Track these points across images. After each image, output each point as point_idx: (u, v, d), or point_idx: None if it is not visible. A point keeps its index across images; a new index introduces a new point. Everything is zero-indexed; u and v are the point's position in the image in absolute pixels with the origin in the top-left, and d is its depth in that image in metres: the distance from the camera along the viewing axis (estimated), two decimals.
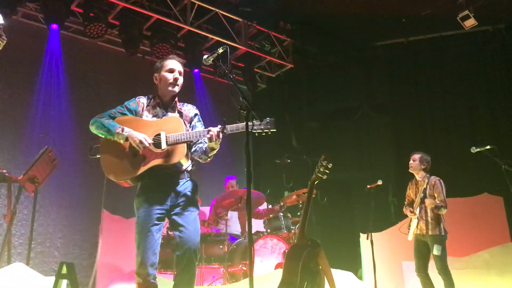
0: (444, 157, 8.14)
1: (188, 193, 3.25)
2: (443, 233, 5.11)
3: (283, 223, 6.18)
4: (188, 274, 3.12)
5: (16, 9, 6.62)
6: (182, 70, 3.41)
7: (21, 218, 6.37)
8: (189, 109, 3.45)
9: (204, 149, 3.31)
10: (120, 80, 7.79)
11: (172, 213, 3.18)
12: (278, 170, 8.59)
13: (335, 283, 3.64)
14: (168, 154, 3.14)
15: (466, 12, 7.51)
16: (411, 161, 5.46)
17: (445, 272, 4.95)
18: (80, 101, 7.41)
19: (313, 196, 3.95)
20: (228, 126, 3.13)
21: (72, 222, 6.96)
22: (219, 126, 3.13)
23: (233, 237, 6.29)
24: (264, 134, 3.18)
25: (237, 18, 8.26)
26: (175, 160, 3.15)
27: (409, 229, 5.38)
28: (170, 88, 3.33)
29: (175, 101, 3.42)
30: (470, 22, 7.61)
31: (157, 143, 3.13)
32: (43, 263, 6.55)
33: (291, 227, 6.22)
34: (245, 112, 2.89)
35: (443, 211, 5.11)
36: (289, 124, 9.20)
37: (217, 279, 5.89)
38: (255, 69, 9.19)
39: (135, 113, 3.33)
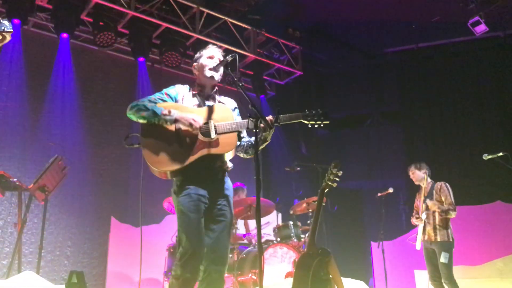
0: (456, 164, 8.07)
1: (230, 199, 3.07)
2: (451, 240, 5.05)
3: (293, 231, 6.13)
4: None
5: (27, 18, 6.68)
6: (222, 58, 3.21)
7: (31, 226, 6.38)
8: (229, 101, 3.31)
9: (252, 142, 3.13)
10: (129, 88, 7.82)
11: (211, 214, 2.96)
12: (288, 178, 8.57)
13: None
14: (217, 144, 2.95)
15: (477, 18, 7.45)
16: (411, 176, 5.52)
17: (450, 280, 4.90)
18: (89, 109, 7.45)
19: (323, 204, 3.91)
20: (282, 116, 3.00)
21: (81, 231, 6.96)
22: (271, 116, 2.96)
23: (242, 246, 6.25)
24: (316, 126, 3.12)
25: (246, 26, 8.28)
26: (226, 150, 2.96)
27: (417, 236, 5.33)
28: (209, 75, 3.17)
29: (215, 91, 3.28)
30: (481, 28, 7.55)
31: (205, 132, 2.95)
32: (53, 272, 6.55)
33: (301, 236, 6.17)
34: (254, 120, 2.83)
35: (452, 215, 5.07)
36: (299, 132, 9.19)
37: None
38: (264, 77, 9.18)
39: (175, 101, 3.14)
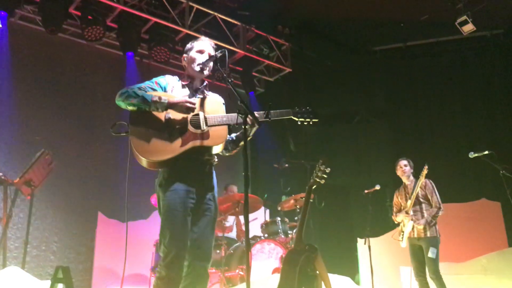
0: (442, 162, 8.13)
1: (215, 193, 3.05)
2: (438, 235, 5.10)
3: (281, 227, 6.16)
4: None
5: (14, 11, 6.60)
6: (213, 53, 3.16)
7: (17, 221, 6.32)
8: (217, 98, 3.25)
9: (232, 138, 3.14)
10: (118, 83, 7.76)
11: (196, 208, 2.91)
12: (276, 175, 8.58)
13: None
14: (208, 136, 2.91)
15: (464, 17, 7.51)
16: (402, 167, 5.48)
17: (437, 275, 4.95)
18: (76, 103, 7.39)
19: (311, 200, 3.93)
20: (273, 112, 3.00)
21: (68, 226, 6.92)
22: (261, 111, 2.95)
23: (229, 242, 6.27)
24: (306, 123, 3.14)
25: (235, 22, 8.26)
26: (216, 142, 2.93)
27: (400, 234, 5.35)
28: (198, 69, 3.12)
29: (205, 86, 3.22)
30: (468, 28, 7.61)
31: (195, 123, 2.92)
32: (39, 267, 6.50)
33: (289, 232, 6.19)
34: (243, 116, 2.82)
35: (440, 214, 5.11)
36: (287, 128, 9.21)
37: (214, 283, 5.86)
38: (253, 73, 9.17)
39: (164, 90, 3.08)
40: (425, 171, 5.20)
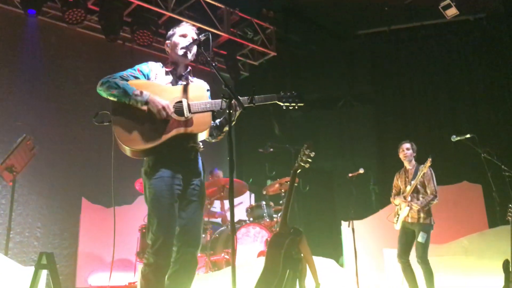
0: (425, 145, 8.20)
1: (203, 179, 3.04)
2: (432, 223, 5.17)
3: (266, 211, 6.19)
4: (190, 276, 2.90)
5: None
6: (196, 37, 3.09)
7: None
8: (202, 83, 3.22)
9: (216, 124, 3.11)
10: (100, 67, 7.64)
11: (184, 194, 2.91)
12: (261, 159, 8.60)
13: (317, 271, 3.65)
14: (192, 123, 2.88)
15: (448, 1, 7.55)
16: (404, 151, 5.45)
17: (423, 261, 5.00)
18: (58, 88, 7.28)
19: (296, 184, 3.95)
20: (257, 97, 2.97)
21: (51, 212, 6.86)
22: (245, 97, 2.93)
23: (215, 226, 6.29)
24: (291, 107, 3.13)
25: (219, 5, 8.16)
26: (200, 129, 2.89)
27: (395, 216, 5.40)
28: (181, 53, 3.08)
29: (189, 72, 3.19)
30: (452, 12, 7.66)
31: (178, 110, 2.88)
32: (22, 253, 6.45)
33: (274, 216, 6.23)
34: (227, 100, 2.80)
35: (435, 202, 5.16)
36: (272, 113, 9.20)
37: (199, 267, 5.88)
38: (237, 57, 9.11)
39: (147, 78, 3.05)
40: (428, 164, 5.20)
